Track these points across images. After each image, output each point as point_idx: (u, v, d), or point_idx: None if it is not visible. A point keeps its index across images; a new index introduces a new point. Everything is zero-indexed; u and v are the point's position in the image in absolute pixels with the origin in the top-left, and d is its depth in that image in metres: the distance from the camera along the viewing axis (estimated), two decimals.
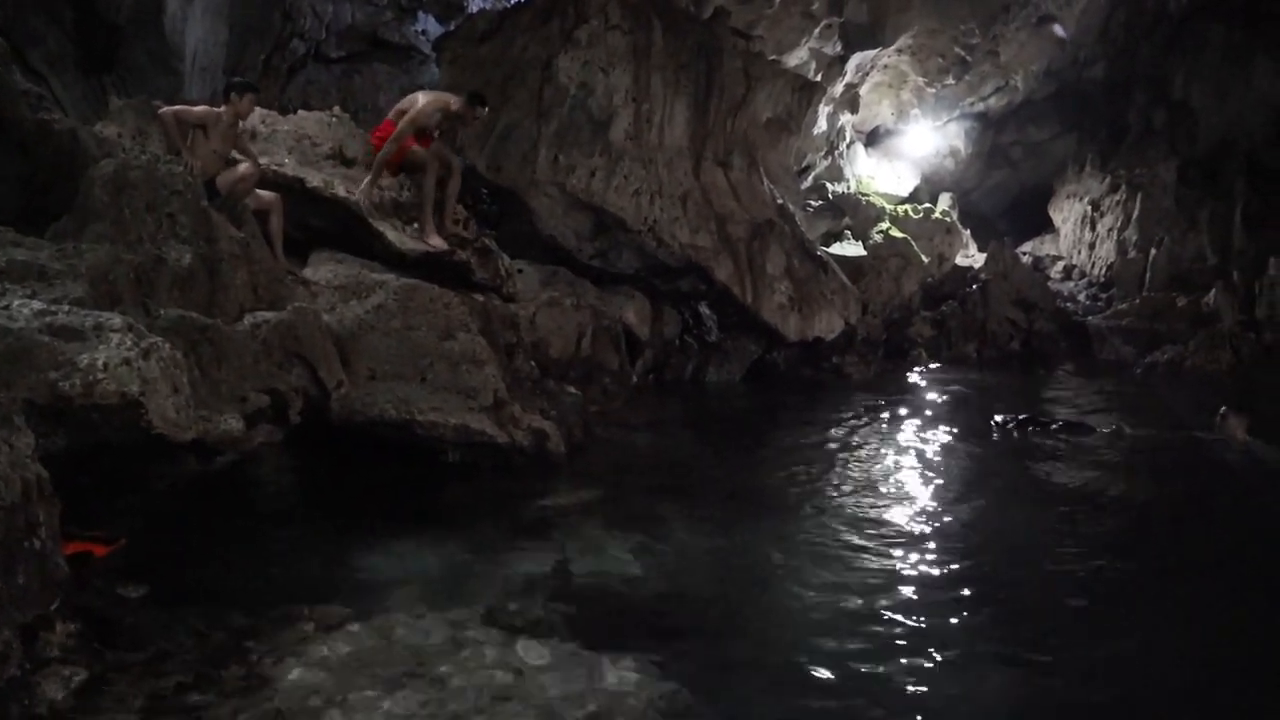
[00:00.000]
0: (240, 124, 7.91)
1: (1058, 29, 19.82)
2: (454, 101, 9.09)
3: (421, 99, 9.04)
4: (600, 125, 12.18)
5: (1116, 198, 20.86)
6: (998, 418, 10.28)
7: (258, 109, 8.61)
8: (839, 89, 19.37)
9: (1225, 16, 21.07)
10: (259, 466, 6.78)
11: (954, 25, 19.10)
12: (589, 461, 8.17)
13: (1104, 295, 20.25)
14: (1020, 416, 10.16)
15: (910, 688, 4.23)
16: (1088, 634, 4.94)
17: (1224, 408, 9.47)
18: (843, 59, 18.77)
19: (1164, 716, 4.17)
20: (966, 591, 5.44)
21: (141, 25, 11.58)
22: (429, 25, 16.51)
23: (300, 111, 9.58)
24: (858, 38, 18.50)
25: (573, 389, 9.19)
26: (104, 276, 5.22)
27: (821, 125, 19.31)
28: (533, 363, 8.85)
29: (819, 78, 17.88)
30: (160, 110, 7.62)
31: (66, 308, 4.61)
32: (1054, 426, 9.90)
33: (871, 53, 19.05)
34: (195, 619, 4.27)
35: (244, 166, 7.54)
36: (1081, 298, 20.50)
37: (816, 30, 17.90)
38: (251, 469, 6.70)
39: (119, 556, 4.86)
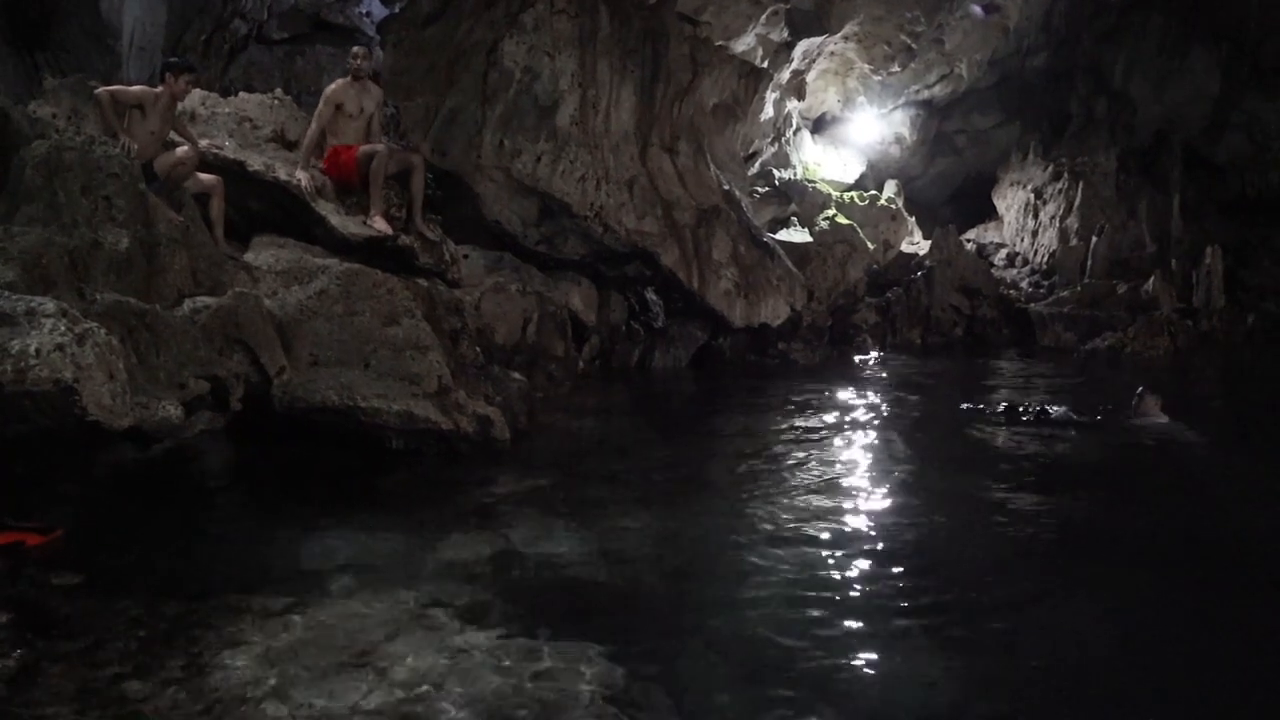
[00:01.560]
0: (178, 105, 7.77)
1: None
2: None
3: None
4: (546, 110, 12.13)
5: (1058, 186, 21.18)
6: (1003, 405, 10.32)
7: (198, 90, 8.50)
8: (785, 76, 19.45)
9: (1163, 7, 21.45)
10: (199, 454, 6.69)
11: (899, 13, 19.24)
12: (534, 448, 8.16)
13: (1046, 282, 20.57)
14: (1008, 405, 10.23)
15: (856, 668, 4.28)
16: (1019, 608, 5.04)
17: (1140, 388, 9.78)
18: (789, 45, 18.84)
19: (1091, 685, 4.27)
20: (907, 571, 5.49)
21: (77, 1, 11.33)
22: (373, 7, 16.31)
23: (242, 94, 9.44)
24: (804, 24, 18.57)
25: (518, 375, 9.15)
26: (37, 260, 5.13)
27: (768, 112, 19.37)
28: (478, 349, 8.80)
29: (766, 64, 17.94)
30: (96, 90, 7.46)
31: None
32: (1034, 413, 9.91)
33: (818, 40, 19.13)
34: (133, 608, 4.21)
35: (182, 150, 7.41)
36: (1024, 284, 20.80)
37: (763, 16, 17.93)
38: (191, 457, 6.61)
39: (55, 547, 4.79)
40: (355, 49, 9.05)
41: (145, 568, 4.90)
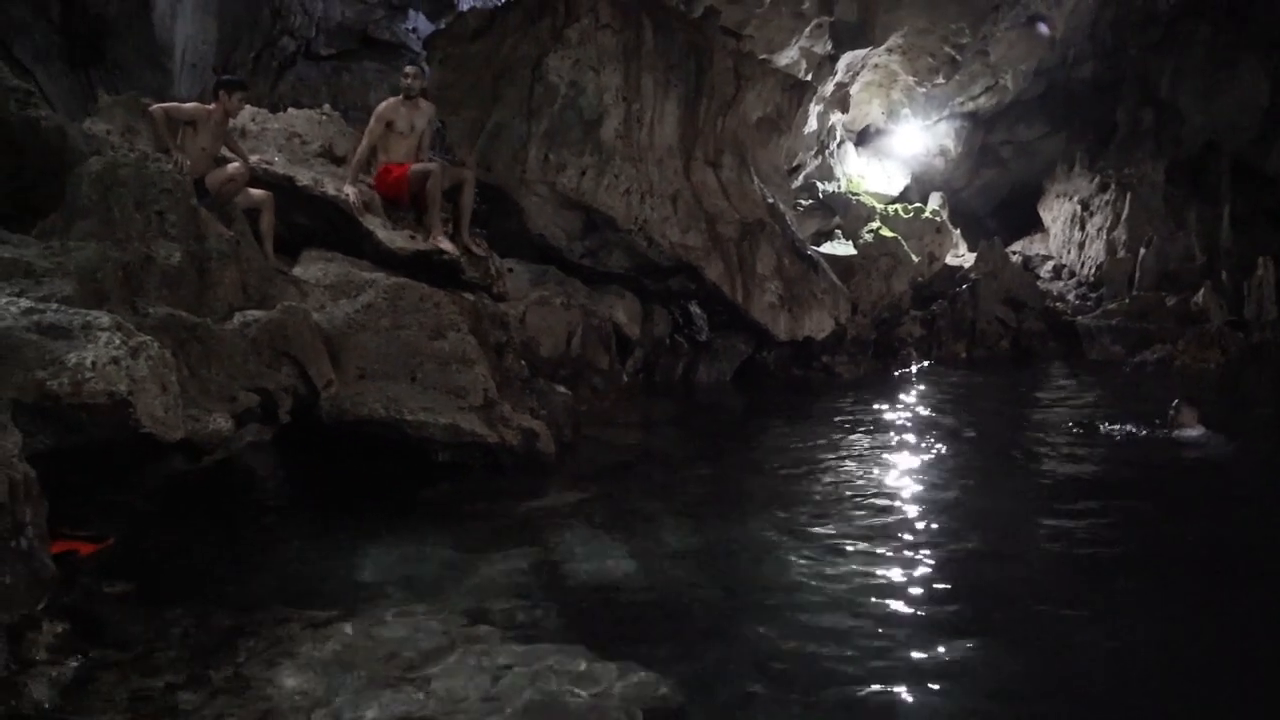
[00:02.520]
0: (230, 122, 7.89)
1: (1041, 28, 19.81)
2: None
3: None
4: (590, 124, 12.18)
5: (1106, 197, 20.91)
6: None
7: (248, 107, 8.60)
8: (829, 88, 19.39)
9: (1212, 17, 21.13)
10: (247, 466, 6.76)
11: (944, 25, 19.12)
12: (579, 461, 8.18)
13: (1093, 294, 20.30)
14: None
15: (902, 687, 4.23)
16: (1069, 630, 4.98)
17: (1176, 400, 9.65)
18: (833, 58, 18.79)
19: (1133, 696, 4.23)
20: (953, 589, 5.45)
21: (130, 20, 11.54)
22: (419, 23, 16.48)
23: (290, 109, 9.56)
24: (848, 37, 18.51)
25: (562, 388, 9.18)
26: (92, 274, 5.22)
27: (812, 124, 19.32)
28: (523, 362, 8.83)
29: (809, 77, 17.89)
30: (150, 107, 7.60)
31: (54, 306, 4.60)
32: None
33: (862, 52, 19.06)
34: (183, 618, 4.27)
35: (233, 166, 7.51)
36: (1071, 297, 20.54)
37: (807, 29, 17.90)
38: (240, 468, 6.68)
39: (107, 555, 4.86)
40: (408, 69, 9.11)
41: (195, 578, 4.97)
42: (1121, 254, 20.28)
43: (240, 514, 6.31)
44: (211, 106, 7.63)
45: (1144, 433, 9.69)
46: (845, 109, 20.48)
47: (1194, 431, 9.35)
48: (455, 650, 4.22)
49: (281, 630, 4.25)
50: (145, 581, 4.60)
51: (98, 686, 3.63)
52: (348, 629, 4.31)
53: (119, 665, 3.80)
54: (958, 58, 19.87)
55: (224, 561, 5.30)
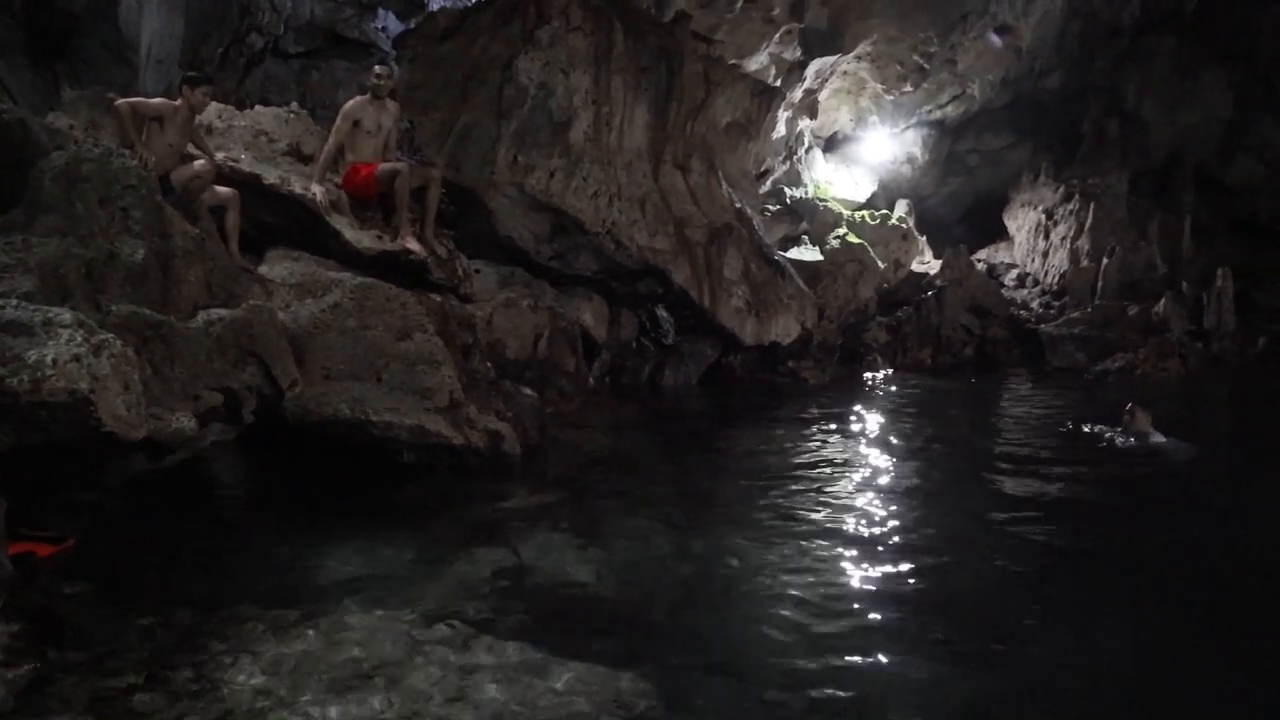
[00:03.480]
0: (196, 118, 7.81)
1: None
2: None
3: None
4: (560, 126, 12.16)
5: (1070, 207, 21.15)
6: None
7: (214, 103, 8.52)
8: (798, 94, 19.49)
9: (1176, 29, 21.44)
10: (210, 465, 6.70)
11: (913, 34, 19.28)
12: (545, 463, 8.16)
13: (1056, 303, 20.52)
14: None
15: (866, 689, 4.26)
16: (1032, 629, 5.05)
17: (1130, 405, 9.86)
18: (802, 64, 18.89)
19: (1098, 696, 4.27)
20: (914, 590, 5.51)
21: (95, 14, 11.43)
22: (389, 22, 16.41)
23: (257, 107, 9.48)
24: (818, 44, 18.62)
25: (529, 390, 9.15)
26: (54, 271, 5.16)
27: (780, 130, 19.41)
28: (489, 364, 8.81)
29: (778, 83, 17.98)
30: (116, 102, 7.50)
31: (15, 302, 4.54)
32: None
33: (831, 59, 19.18)
34: (145, 618, 4.22)
35: (200, 164, 7.44)
36: (1034, 305, 20.76)
37: (777, 35, 17.99)
38: (202, 467, 6.63)
39: (67, 556, 4.80)
40: (379, 69, 9.06)
41: (157, 578, 4.92)
42: (1085, 263, 20.53)
43: (203, 514, 6.25)
44: (177, 102, 7.54)
45: (1104, 438, 9.84)
46: (814, 115, 20.59)
47: (1152, 437, 9.55)
48: (420, 651, 4.21)
49: (244, 631, 4.22)
50: (106, 582, 4.55)
51: (57, 689, 3.59)
52: (311, 630, 4.29)
53: (78, 667, 3.76)
54: (926, 66, 20.04)
55: (186, 562, 5.24)
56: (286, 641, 4.15)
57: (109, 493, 5.84)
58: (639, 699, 3.94)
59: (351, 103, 8.83)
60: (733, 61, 15.92)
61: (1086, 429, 10.27)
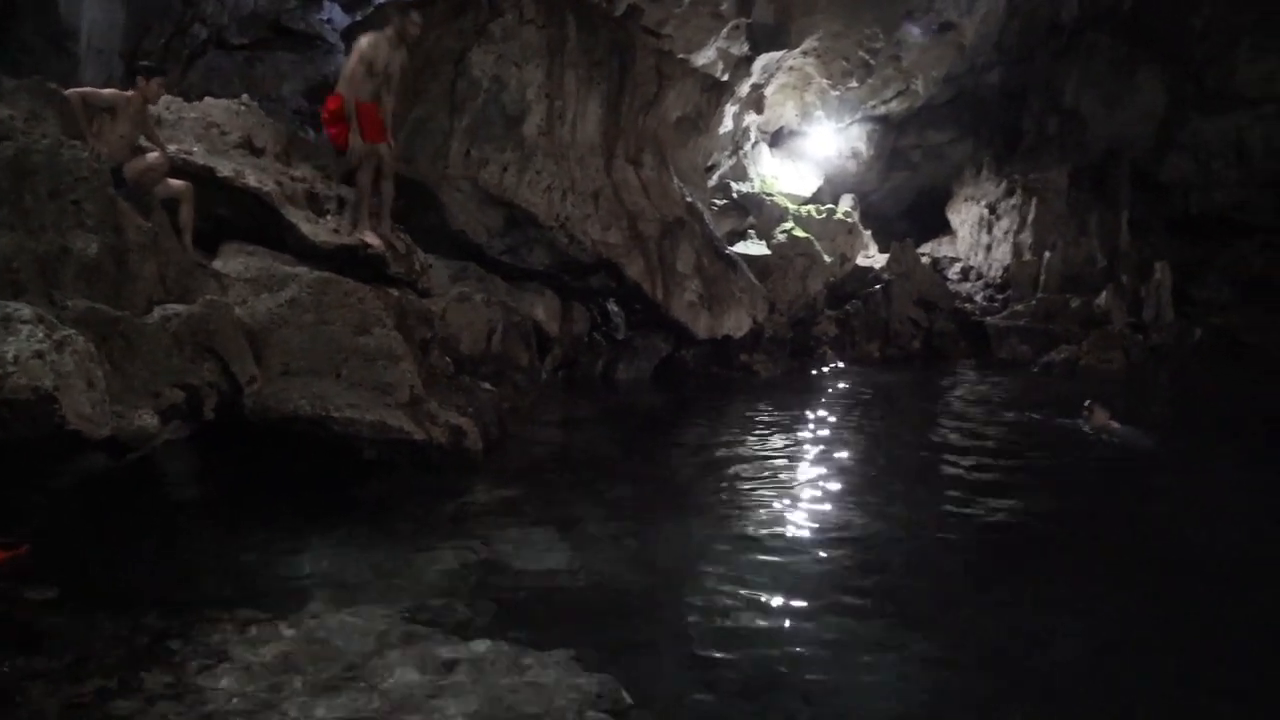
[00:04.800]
0: (150, 109, 7.63)
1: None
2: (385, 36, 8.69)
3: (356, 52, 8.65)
4: (513, 120, 12.07)
5: (1012, 201, 21.42)
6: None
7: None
8: (745, 89, 19.51)
9: (1112, 29, 21.80)
10: (168, 463, 6.54)
11: (858, 30, 19.38)
12: (506, 458, 8.12)
13: (1000, 296, 20.79)
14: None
15: (829, 676, 4.33)
16: (982, 614, 5.20)
17: (1088, 402, 10.36)
18: (749, 60, 18.90)
19: (1056, 674, 4.37)
20: (874, 578, 5.63)
21: (34, 2, 11.09)
22: (334, 14, 16.11)
23: (206, 99, 9.28)
24: (764, 39, 18.64)
25: (488, 385, 9.09)
26: (6, 265, 5.01)
27: (727, 125, 19.41)
28: (448, 359, 8.73)
29: (726, 78, 17.99)
30: (67, 92, 7.28)
31: None
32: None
33: (778, 54, 19.21)
34: (112, 622, 4.12)
35: (153, 155, 7.26)
36: (979, 298, 21.00)
37: (724, 30, 17.97)
38: (160, 466, 6.47)
39: (23, 561, 4.66)
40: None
41: (121, 581, 4.80)
42: (1027, 257, 20.80)
43: (163, 513, 6.10)
44: (130, 93, 7.35)
45: (1066, 427, 10.13)
46: (760, 110, 20.62)
47: (1113, 425, 9.94)
48: (396, 649, 4.17)
49: (216, 633, 4.14)
50: (69, 586, 4.43)
51: (26, 697, 3.49)
52: (285, 630, 4.22)
53: (47, 674, 3.65)
54: (871, 62, 20.16)
55: (150, 563, 5.12)
56: (260, 643, 4.09)
57: (64, 494, 5.66)
58: (611, 690, 3.95)
59: (372, 39, 8.62)
60: (681, 56, 15.90)
61: (1050, 420, 10.57)
